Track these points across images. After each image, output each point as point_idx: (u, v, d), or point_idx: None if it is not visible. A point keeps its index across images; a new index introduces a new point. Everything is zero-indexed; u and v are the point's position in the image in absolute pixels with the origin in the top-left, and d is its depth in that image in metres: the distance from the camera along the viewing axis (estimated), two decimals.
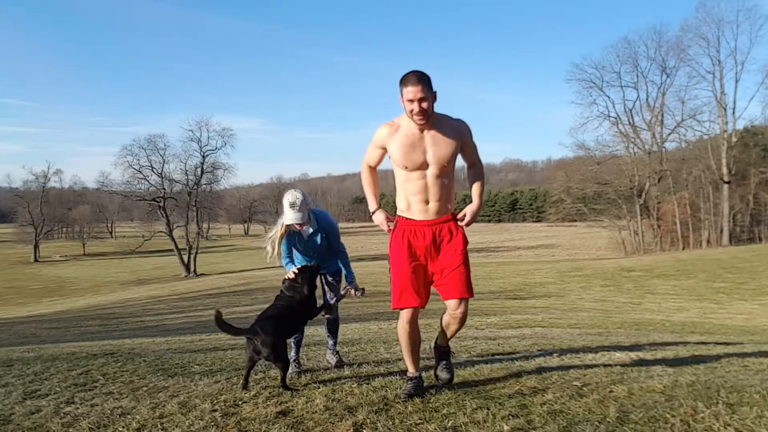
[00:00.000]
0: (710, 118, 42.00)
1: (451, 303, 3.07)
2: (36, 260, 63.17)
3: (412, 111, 2.90)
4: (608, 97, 45.74)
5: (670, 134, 44.55)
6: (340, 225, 4.23)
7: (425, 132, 2.99)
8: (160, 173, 50.78)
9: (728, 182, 39.67)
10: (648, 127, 45.57)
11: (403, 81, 2.93)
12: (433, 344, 3.41)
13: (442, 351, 3.36)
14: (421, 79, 2.90)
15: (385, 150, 3.13)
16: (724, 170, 39.87)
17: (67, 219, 76.31)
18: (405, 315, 3.05)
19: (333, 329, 4.14)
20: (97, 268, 54.72)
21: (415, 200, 3.05)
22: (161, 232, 52.37)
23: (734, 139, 40.60)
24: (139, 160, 49.58)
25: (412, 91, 2.88)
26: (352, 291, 3.97)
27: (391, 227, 3.15)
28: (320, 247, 3.95)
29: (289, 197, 3.70)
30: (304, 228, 3.84)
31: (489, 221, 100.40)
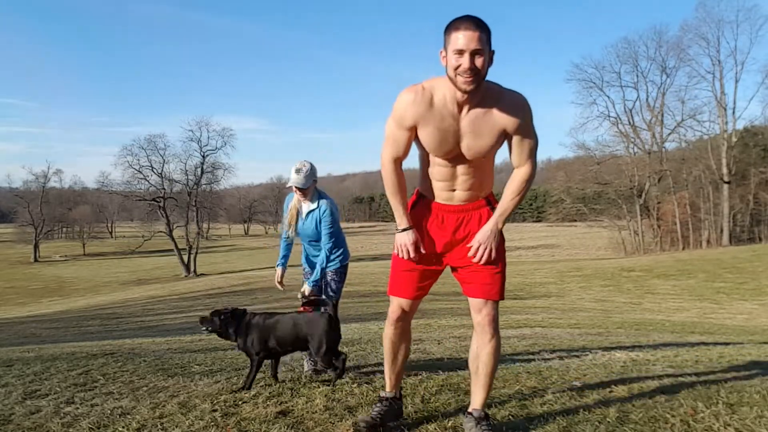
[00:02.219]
0: (710, 118, 42.16)
1: (475, 303, 2.42)
2: (36, 260, 63.14)
3: (458, 68, 2.09)
4: (608, 97, 45.89)
5: (670, 134, 44.68)
6: (342, 225, 4.14)
7: (464, 111, 2.22)
8: (160, 173, 50.80)
9: (728, 182, 39.68)
10: (648, 127, 45.65)
11: (454, 24, 2.11)
12: (465, 416, 2.49)
13: (477, 417, 2.42)
14: (480, 25, 2.10)
15: (415, 131, 2.30)
16: (724, 170, 39.89)
17: (67, 219, 76.27)
18: (394, 310, 2.52)
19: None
20: (97, 268, 54.70)
21: (439, 186, 2.41)
22: (161, 232, 52.36)
23: (734, 139, 40.63)
24: (139, 160, 49.64)
25: (466, 37, 2.06)
26: (305, 290, 3.76)
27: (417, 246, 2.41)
28: (312, 234, 3.84)
29: (296, 164, 3.71)
30: (304, 202, 3.83)
31: None
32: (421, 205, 2.48)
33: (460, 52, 2.08)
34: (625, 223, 45.88)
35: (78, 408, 2.97)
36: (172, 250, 50.09)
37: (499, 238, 2.40)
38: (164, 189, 51.05)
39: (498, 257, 2.39)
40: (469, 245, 2.40)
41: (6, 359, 4.65)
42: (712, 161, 40.44)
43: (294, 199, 3.85)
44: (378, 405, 2.58)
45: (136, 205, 59.20)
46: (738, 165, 40.90)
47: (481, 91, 2.19)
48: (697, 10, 48.35)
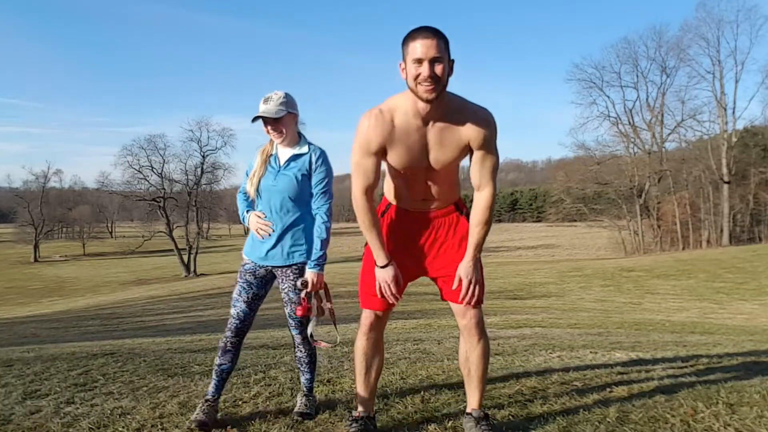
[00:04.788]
0: (710, 118, 42.18)
1: (458, 308, 2.37)
2: (36, 260, 63.14)
3: (417, 77, 2.06)
4: (608, 97, 45.90)
5: (670, 134, 44.67)
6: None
7: (429, 124, 2.18)
8: (160, 173, 50.83)
9: (728, 182, 39.68)
10: (648, 127, 45.64)
11: (411, 35, 2.08)
12: (464, 416, 2.48)
13: (477, 417, 2.40)
14: (437, 33, 2.07)
15: (382, 154, 2.24)
16: (724, 170, 39.90)
17: (67, 219, 76.31)
18: (366, 321, 2.40)
19: (303, 360, 2.86)
20: (97, 268, 54.70)
21: (408, 195, 2.36)
22: (161, 232, 52.41)
23: (734, 139, 40.63)
24: (139, 160, 49.71)
25: (424, 45, 2.03)
26: (311, 294, 2.65)
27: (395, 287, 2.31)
28: (290, 188, 2.67)
29: (266, 94, 2.70)
30: (282, 146, 2.74)
31: None
32: (390, 212, 2.44)
33: (419, 61, 2.05)
34: (625, 223, 45.89)
35: (78, 408, 2.97)
36: (172, 250, 50.10)
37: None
38: (164, 189, 51.07)
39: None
40: (443, 253, 2.39)
41: (6, 359, 4.64)
42: (712, 161, 40.43)
43: (262, 150, 2.80)
44: (353, 426, 2.39)
45: (136, 205, 59.26)
46: (738, 165, 40.89)
47: (445, 103, 2.16)
48: (697, 10, 48.40)
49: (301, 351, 2.84)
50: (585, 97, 46.80)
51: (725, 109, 40.58)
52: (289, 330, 2.84)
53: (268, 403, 2.95)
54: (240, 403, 2.96)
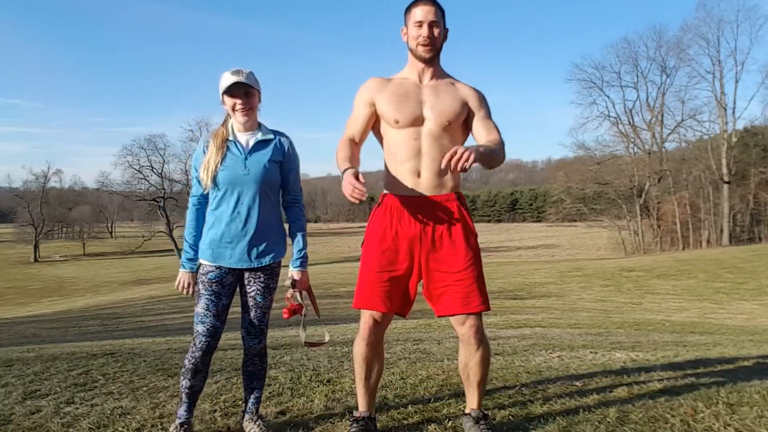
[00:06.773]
0: (710, 118, 42.23)
1: (454, 320, 2.33)
2: (36, 260, 63.11)
3: (418, 38, 2.32)
4: (608, 97, 45.99)
5: (670, 134, 44.71)
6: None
7: (425, 80, 2.39)
8: (160, 173, 50.89)
9: (728, 182, 39.69)
10: (648, 127, 45.66)
11: (413, 3, 2.36)
12: (464, 416, 2.48)
13: (476, 417, 2.41)
14: (435, 2, 2.35)
15: (374, 109, 2.39)
16: (724, 170, 39.91)
17: (67, 219, 76.22)
18: (365, 326, 2.35)
19: (256, 375, 2.56)
20: (97, 268, 54.67)
21: (404, 169, 2.33)
22: (161, 232, 52.45)
23: (734, 139, 40.65)
24: (139, 160, 49.80)
25: (424, 10, 2.31)
26: (297, 294, 2.45)
27: (363, 193, 2.10)
28: (270, 179, 2.42)
29: (232, 69, 2.39)
30: (243, 130, 2.45)
31: (489, 221, 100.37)
32: (386, 202, 2.39)
33: (420, 24, 2.32)
34: (625, 223, 45.90)
35: (78, 408, 2.97)
36: (172, 250, 50.16)
37: (475, 245, 2.34)
38: (164, 189, 51.10)
39: (469, 260, 2.30)
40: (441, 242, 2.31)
41: (6, 359, 4.64)
42: (712, 161, 40.45)
43: (215, 134, 2.45)
44: (354, 426, 2.37)
45: (136, 205, 59.27)
46: (738, 165, 40.91)
47: (440, 71, 2.43)
48: (697, 10, 48.62)
49: (255, 365, 2.52)
50: (585, 97, 47.10)
51: (725, 109, 40.64)
52: (243, 341, 2.50)
53: (268, 403, 2.95)
54: (240, 403, 2.96)
